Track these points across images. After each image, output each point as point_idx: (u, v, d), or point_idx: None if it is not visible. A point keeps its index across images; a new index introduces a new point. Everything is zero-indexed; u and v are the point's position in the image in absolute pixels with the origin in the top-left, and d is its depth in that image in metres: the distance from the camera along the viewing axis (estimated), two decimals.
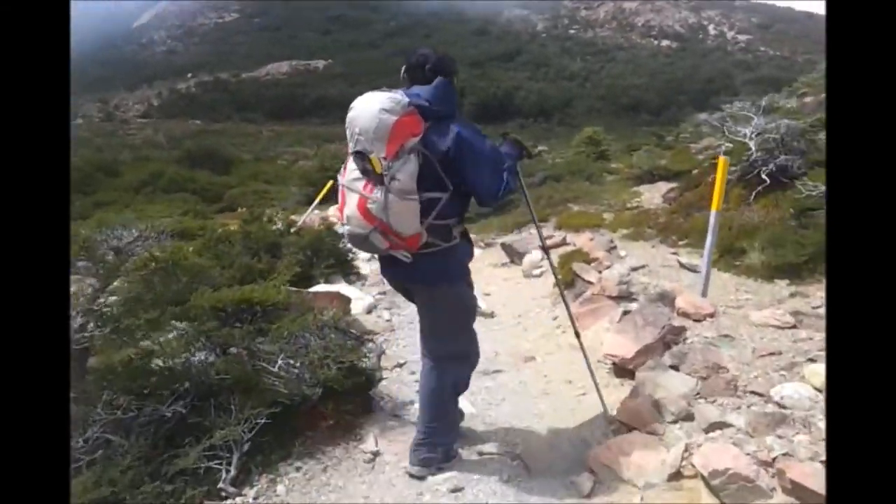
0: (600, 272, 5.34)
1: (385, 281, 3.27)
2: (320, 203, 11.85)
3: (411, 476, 3.01)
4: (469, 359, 3.14)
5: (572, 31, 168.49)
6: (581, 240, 6.55)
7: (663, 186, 9.26)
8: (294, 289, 4.95)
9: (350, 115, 2.72)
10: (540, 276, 6.41)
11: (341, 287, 5.70)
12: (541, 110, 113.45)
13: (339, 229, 3.26)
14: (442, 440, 3.05)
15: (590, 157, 18.48)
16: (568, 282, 5.51)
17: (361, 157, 2.63)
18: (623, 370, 4.02)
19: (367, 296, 5.88)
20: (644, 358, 3.87)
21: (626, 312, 4.56)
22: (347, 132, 2.72)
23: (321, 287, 5.58)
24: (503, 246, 7.51)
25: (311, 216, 10.96)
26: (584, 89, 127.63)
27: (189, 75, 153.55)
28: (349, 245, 2.96)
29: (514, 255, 7.23)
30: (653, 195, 8.61)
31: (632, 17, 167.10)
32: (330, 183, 10.63)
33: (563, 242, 6.72)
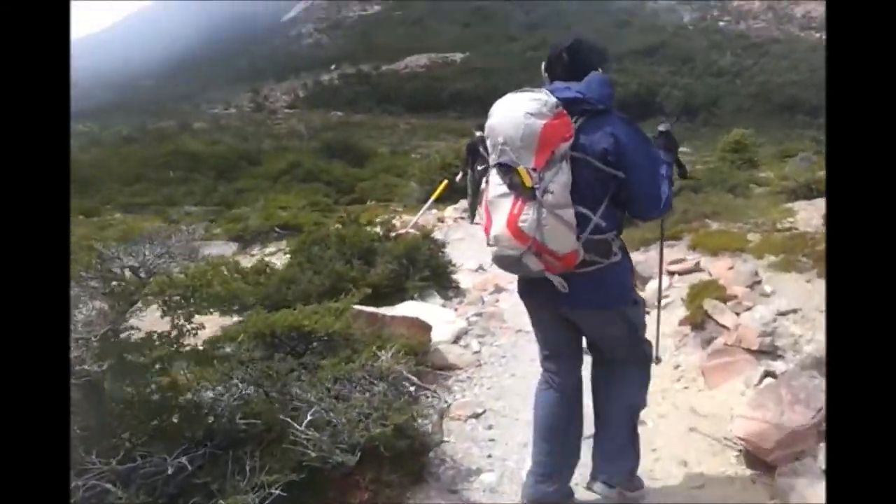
0: (738, 314, 4.34)
1: (528, 306, 2.76)
2: (435, 202, 11.36)
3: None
4: (648, 365, 2.79)
5: (722, 24, 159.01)
6: (718, 267, 5.50)
7: (823, 204, 7.64)
8: (368, 309, 4.36)
9: (490, 122, 2.41)
10: (665, 307, 5.51)
11: (430, 308, 5.11)
12: (685, 108, 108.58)
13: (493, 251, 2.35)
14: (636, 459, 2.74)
15: (735, 164, 16.83)
16: (697, 323, 4.57)
17: (507, 169, 2.32)
18: (757, 460, 3.00)
19: (457, 319, 5.22)
20: (788, 451, 2.83)
21: (767, 375, 3.62)
22: (488, 141, 2.41)
23: (407, 306, 5.02)
24: None
25: (424, 216, 10.47)
26: (734, 86, 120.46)
27: (333, 67, 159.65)
28: (498, 266, 2.41)
29: (637, 280, 6.32)
30: (810, 215, 7.15)
31: (790, 6, 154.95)
32: (445, 182, 10.15)
33: (696, 268, 5.72)
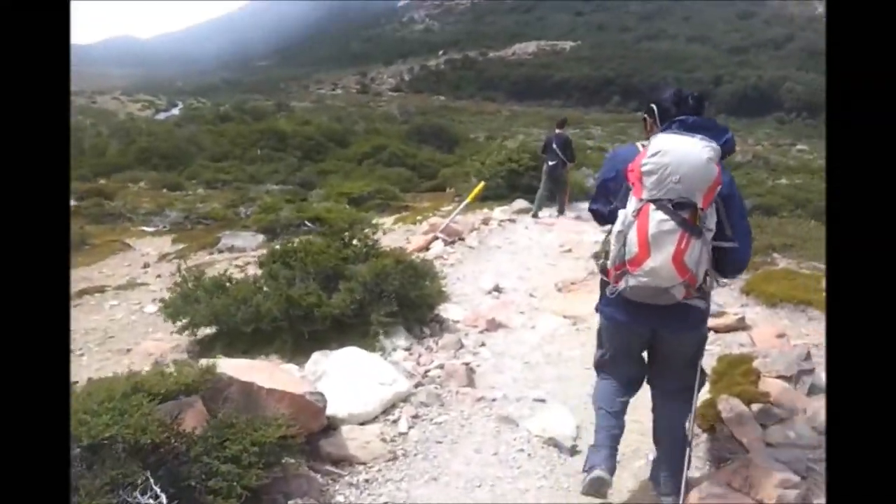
0: (764, 427, 2.89)
1: (616, 329, 2.80)
2: (483, 201, 10.18)
3: (593, 483, 2.65)
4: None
5: None
6: (766, 333, 4.04)
7: None
8: (242, 377, 3.05)
9: (662, 159, 2.44)
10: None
11: (369, 360, 3.85)
12: (806, 105, 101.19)
13: (631, 281, 2.50)
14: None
15: None
16: (708, 427, 3.10)
17: (681, 207, 2.43)
18: None
19: (398, 379, 3.69)
20: None
21: None
22: (653, 176, 2.45)
23: (342, 355, 3.84)
24: None
25: (455, 221, 9.30)
26: None
27: (441, 52, 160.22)
28: (635, 295, 2.54)
29: None
30: None
31: None
32: (481, 184, 8.93)
33: (738, 325, 4.31)
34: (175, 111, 69.27)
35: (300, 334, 4.55)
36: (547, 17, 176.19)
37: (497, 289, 6.45)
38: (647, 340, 2.76)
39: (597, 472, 2.63)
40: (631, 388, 2.89)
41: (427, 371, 4.06)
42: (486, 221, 10.25)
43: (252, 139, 35.97)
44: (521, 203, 11.69)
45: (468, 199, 9.11)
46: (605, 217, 2.75)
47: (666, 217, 2.40)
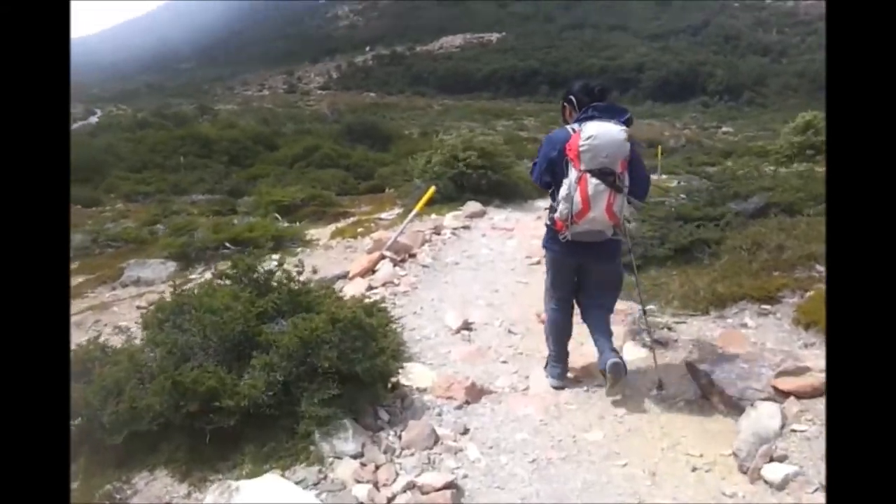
0: None
1: (560, 263, 3.79)
2: (431, 207, 8.84)
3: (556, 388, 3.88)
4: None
5: (769, 1, 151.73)
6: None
7: None
8: None
9: (594, 142, 3.33)
10: None
11: (292, 493, 2.48)
12: (727, 88, 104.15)
13: (576, 228, 3.45)
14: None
15: (804, 152, 13.98)
16: None
17: (607, 174, 3.37)
18: None
19: None
20: None
21: None
22: (587, 154, 3.35)
23: (259, 487, 2.52)
24: None
25: (405, 232, 7.93)
26: (780, 65, 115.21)
27: (367, 48, 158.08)
28: (579, 238, 3.50)
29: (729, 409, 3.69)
30: None
31: None
32: (431, 190, 7.61)
33: (801, 370, 3.09)
34: (93, 119, 65.10)
35: (198, 435, 3.13)
36: (472, 9, 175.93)
37: (466, 326, 5.14)
38: (578, 268, 3.76)
39: (555, 382, 3.88)
40: (568, 308, 3.93)
41: (391, 501, 2.68)
42: (437, 230, 8.91)
43: (174, 146, 33.89)
44: (473, 205, 10.39)
45: (417, 208, 7.77)
46: (550, 185, 3.60)
47: (598, 182, 3.33)
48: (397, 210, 12.69)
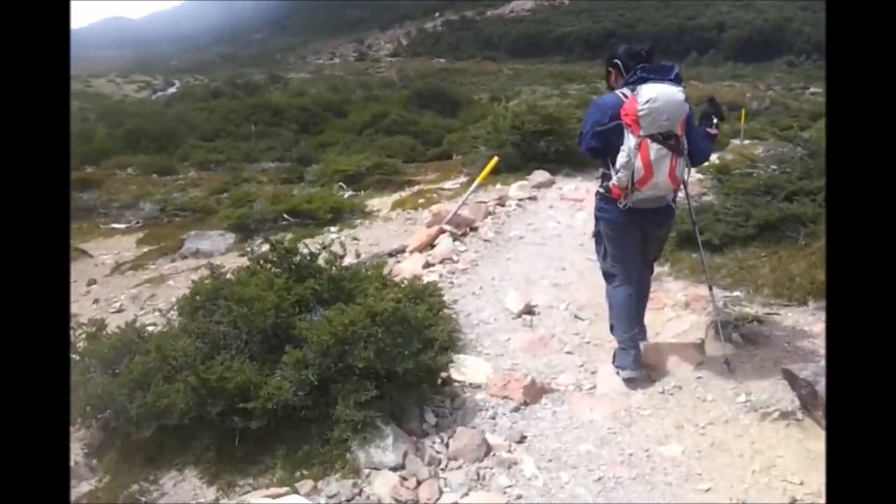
0: None
1: (622, 232, 3.56)
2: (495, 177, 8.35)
3: (628, 381, 3.47)
4: None
5: None
6: None
7: None
8: None
9: (655, 104, 3.13)
10: None
11: None
12: (816, 46, 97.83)
13: (638, 195, 3.28)
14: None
15: None
16: None
17: (669, 137, 3.21)
18: None
19: None
20: None
21: None
22: (647, 119, 3.15)
23: None
24: None
25: (466, 206, 7.52)
26: None
27: (437, 14, 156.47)
28: (642, 205, 3.32)
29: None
30: None
31: None
32: (494, 160, 7.13)
33: None
34: (172, 90, 66.98)
35: (229, 434, 2.86)
36: None
37: (529, 310, 4.72)
38: (642, 234, 3.58)
39: (629, 373, 3.48)
40: (637, 285, 3.68)
41: None
42: (501, 202, 8.44)
43: (245, 115, 34.28)
44: (540, 175, 9.83)
45: (479, 179, 7.32)
46: (602, 153, 3.42)
47: (660, 146, 3.21)
48: (462, 179, 12.26)
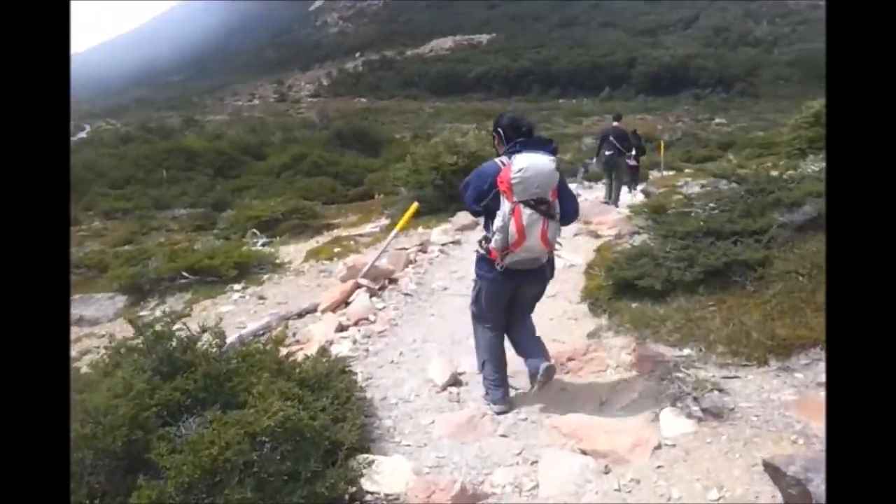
0: None
1: (497, 292, 3.70)
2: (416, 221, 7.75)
3: (499, 413, 3.68)
4: None
5: None
6: None
7: None
8: None
9: (525, 174, 3.36)
10: None
11: None
12: (719, 80, 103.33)
13: (512, 257, 3.45)
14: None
15: (816, 144, 12.92)
16: None
17: (541, 202, 3.42)
18: None
19: None
20: None
21: None
22: (520, 186, 3.36)
23: None
24: None
25: (384, 256, 6.90)
26: (771, 56, 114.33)
27: (357, 54, 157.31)
28: (517, 266, 3.52)
29: None
30: None
31: None
32: (414, 207, 6.57)
33: None
34: (81, 135, 63.89)
35: None
36: (461, 12, 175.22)
37: (455, 380, 4.10)
38: (512, 292, 3.74)
39: (500, 407, 3.72)
40: (502, 332, 3.88)
41: None
42: (423, 248, 7.87)
43: (157, 160, 32.70)
44: (462, 218, 9.32)
45: (398, 227, 6.72)
46: (480, 213, 3.65)
47: (531, 211, 3.40)
48: (384, 221, 11.66)
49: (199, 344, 3.10)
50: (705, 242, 4.78)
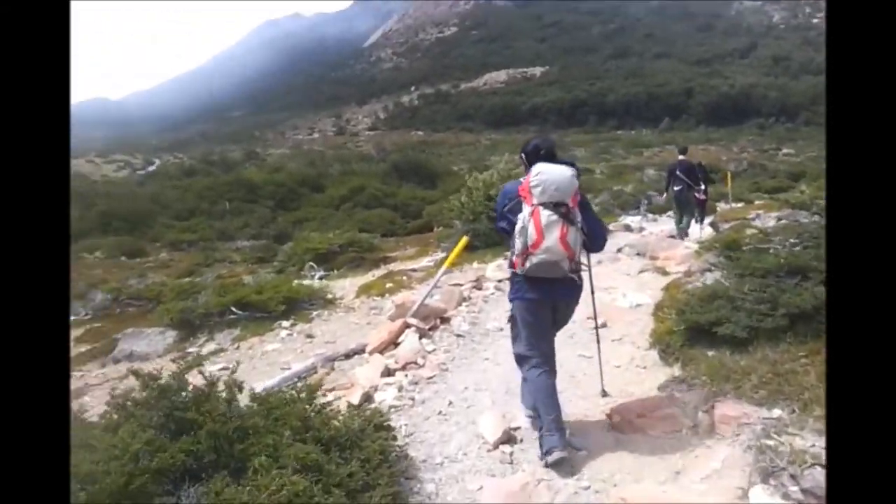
0: None
1: (528, 305, 3.64)
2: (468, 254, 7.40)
3: (556, 463, 3.32)
4: None
5: (815, 20, 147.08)
6: None
7: None
8: None
9: (542, 177, 3.49)
10: None
11: None
12: (783, 109, 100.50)
13: (532, 259, 3.44)
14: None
15: None
16: None
17: (559, 206, 3.47)
18: None
19: None
20: None
21: None
22: (538, 189, 3.48)
23: None
24: None
25: (436, 294, 6.57)
26: None
27: (412, 88, 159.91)
28: (538, 270, 3.47)
29: None
30: None
31: None
32: (464, 240, 6.24)
33: None
34: (152, 168, 66.28)
35: None
36: (512, 45, 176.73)
37: (509, 436, 3.71)
38: (552, 311, 3.68)
39: (556, 455, 3.34)
40: (552, 366, 3.73)
41: None
42: (478, 285, 7.52)
43: (220, 192, 33.50)
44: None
45: (447, 263, 6.39)
46: (509, 232, 3.64)
47: (551, 212, 3.46)
48: (440, 254, 11.36)
49: (213, 397, 2.81)
50: (789, 283, 4.28)
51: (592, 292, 4.10)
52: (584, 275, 3.77)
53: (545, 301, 3.59)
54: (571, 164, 3.62)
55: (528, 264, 3.46)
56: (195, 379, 3.06)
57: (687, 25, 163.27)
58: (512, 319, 3.81)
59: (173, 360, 3.60)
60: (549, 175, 3.48)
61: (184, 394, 2.86)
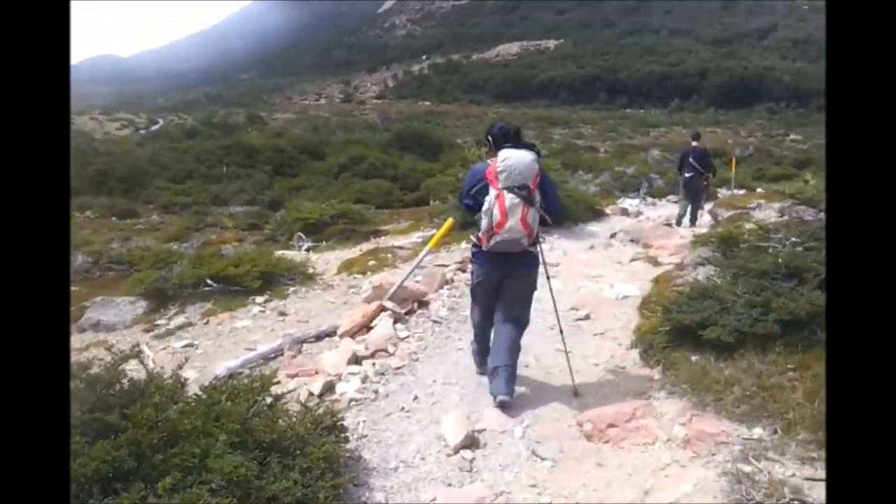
0: None
1: (485, 275, 4.15)
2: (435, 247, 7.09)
3: (503, 404, 3.88)
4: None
5: None
6: None
7: None
8: None
9: (508, 163, 3.86)
10: None
11: None
12: (795, 94, 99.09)
13: (496, 238, 3.87)
14: (514, 375, 4.09)
15: None
16: None
17: (519, 189, 3.85)
18: None
19: None
20: None
21: None
22: (503, 174, 3.86)
23: None
24: None
25: (417, 274, 6.29)
26: None
27: (424, 57, 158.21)
28: (500, 247, 3.94)
29: None
30: None
31: None
32: (448, 222, 5.95)
33: None
34: (155, 128, 65.77)
35: None
36: (529, 17, 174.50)
37: (471, 439, 3.45)
38: (500, 280, 4.14)
39: (501, 398, 3.90)
40: (489, 315, 4.29)
41: None
42: (463, 266, 7.23)
43: (219, 156, 33.01)
44: None
45: (429, 245, 6.09)
46: (471, 207, 4.10)
47: (513, 196, 3.86)
48: (431, 231, 11.05)
49: (148, 394, 2.54)
50: (785, 286, 3.98)
51: (549, 278, 4.43)
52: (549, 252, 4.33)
53: (499, 269, 4.09)
54: (533, 147, 4.05)
55: (492, 242, 3.91)
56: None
57: (709, 3, 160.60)
58: (473, 291, 4.37)
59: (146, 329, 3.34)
60: (513, 161, 3.86)
61: (118, 386, 2.61)
